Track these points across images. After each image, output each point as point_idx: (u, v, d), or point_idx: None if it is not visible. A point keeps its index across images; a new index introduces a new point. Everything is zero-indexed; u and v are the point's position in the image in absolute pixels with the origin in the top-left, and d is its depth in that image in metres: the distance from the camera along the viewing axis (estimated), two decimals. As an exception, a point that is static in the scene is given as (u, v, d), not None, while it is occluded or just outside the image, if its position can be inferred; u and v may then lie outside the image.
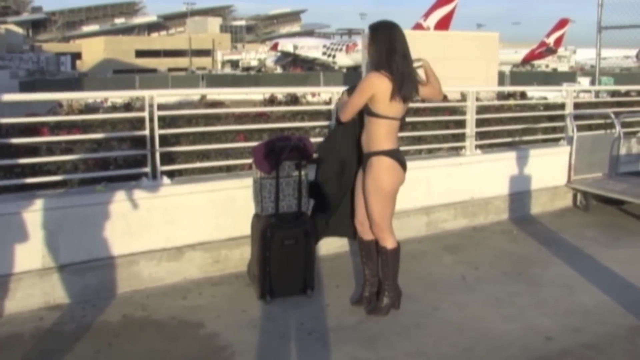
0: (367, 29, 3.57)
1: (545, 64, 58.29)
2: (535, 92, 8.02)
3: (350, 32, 77.56)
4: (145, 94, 4.29)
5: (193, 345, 3.34)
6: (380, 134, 3.46)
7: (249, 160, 4.31)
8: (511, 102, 6.80)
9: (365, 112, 3.49)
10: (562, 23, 50.95)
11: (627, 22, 9.21)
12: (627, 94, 7.90)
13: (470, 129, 5.73)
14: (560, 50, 54.81)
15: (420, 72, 3.57)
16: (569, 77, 38.97)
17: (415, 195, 5.26)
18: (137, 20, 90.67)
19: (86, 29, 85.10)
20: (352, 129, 3.63)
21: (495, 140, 6.10)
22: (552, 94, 8.27)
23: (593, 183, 6.30)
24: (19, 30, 75.54)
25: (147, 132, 4.20)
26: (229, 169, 4.72)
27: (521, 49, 53.13)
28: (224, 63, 72.32)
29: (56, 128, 4.29)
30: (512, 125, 6.26)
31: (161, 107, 4.32)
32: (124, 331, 3.49)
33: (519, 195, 6.03)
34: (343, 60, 55.66)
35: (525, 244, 5.19)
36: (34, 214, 3.77)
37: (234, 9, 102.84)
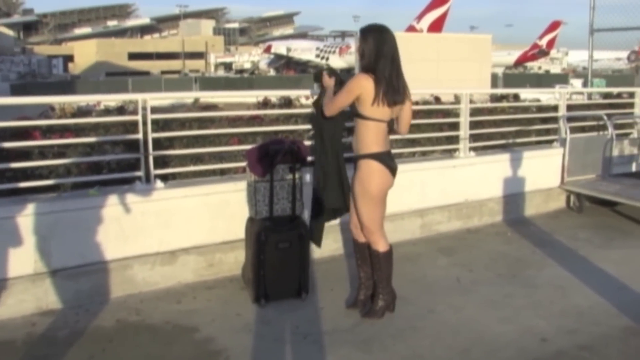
0: (359, 31, 3.60)
1: (538, 66, 58.68)
2: (528, 94, 8.04)
3: (343, 35, 77.86)
4: (139, 97, 4.26)
5: (188, 350, 3.32)
6: (369, 137, 3.47)
7: (243, 164, 4.29)
8: (504, 104, 6.81)
9: (354, 114, 3.51)
10: (555, 25, 51.30)
11: (618, 25, 9.28)
12: (619, 95, 7.92)
13: (464, 131, 5.75)
14: (553, 52, 55.16)
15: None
16: (562, 79, 39.26)
17: (409, 198, 5.27)
18: (130, 22, 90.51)
19: (78, 31, 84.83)
20: (336, 122, 3.80)
21: (488, 142, 6.12)
22: (545, 96, 8.30)
23: (586, 184, 6.33)
24: (10, 32, 75.15)
25: (140, 135, 4.18)
26: (222, 172, 4.70)
27: (514, 51, 53.45)
28: (217, 66, 72.39)
29: (48, 132, 4.25)
30: (505, 127, 6.27)
31: (154, 110, 4.29)
32: (118, 336, 3.46)
33: (513, 197, 6.05)
34: (336, 62, 55.68)
35: (520, 246, 5.20)
36: (25, 219, 3.74)
37: (227, 11, 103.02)
